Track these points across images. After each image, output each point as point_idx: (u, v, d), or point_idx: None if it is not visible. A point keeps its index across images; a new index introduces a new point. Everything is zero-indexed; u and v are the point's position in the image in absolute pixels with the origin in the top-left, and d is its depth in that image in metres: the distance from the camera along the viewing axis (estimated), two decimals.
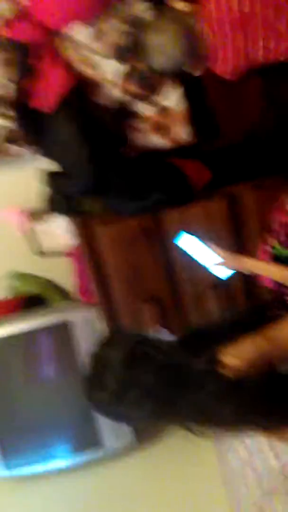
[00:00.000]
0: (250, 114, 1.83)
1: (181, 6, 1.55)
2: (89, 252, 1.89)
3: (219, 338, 1.17)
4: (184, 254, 1.48)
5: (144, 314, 1.92)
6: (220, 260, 1.45)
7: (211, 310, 1.92)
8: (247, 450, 1.75)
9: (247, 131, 1.85)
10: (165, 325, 1.87)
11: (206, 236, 1.53)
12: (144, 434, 2.14)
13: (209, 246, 1.45)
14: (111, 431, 2.07)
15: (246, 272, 1.48)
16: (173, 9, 1.58)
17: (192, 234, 1.48)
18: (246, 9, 1.46)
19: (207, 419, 1.12)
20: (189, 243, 1.48)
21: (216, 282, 1.85)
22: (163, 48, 1.52)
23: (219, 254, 1.45)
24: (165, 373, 1.11)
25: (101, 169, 1.76)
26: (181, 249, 1.48)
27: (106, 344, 1.21)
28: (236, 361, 1.10)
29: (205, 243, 1.46)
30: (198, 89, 1.79)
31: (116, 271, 1.91)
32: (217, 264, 1.44)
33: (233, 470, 1.81)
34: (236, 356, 1.11)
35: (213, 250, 1.44)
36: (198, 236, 1.48)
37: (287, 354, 1.16)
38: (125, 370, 1.11)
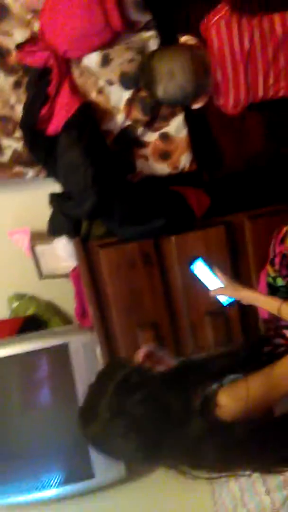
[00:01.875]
0: (251, 145, 1.86)
1: (185, 39, 1.60)
2: (88, 275, 1.89)
3: (214, 375, 1.15)
4: (195, 278, 1.48)
5: (141, 340, 1.89)
6: (221, 286, 1.44)
7: (208, 338, 1.89)
8: (240, 486, 1.69)
9: (248, 161, 1.87)
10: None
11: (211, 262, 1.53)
12: (138, 467, 2.08)
13: (214, 272, 1.45)
14: (104, 463, 2.01)
15: (244, 302, 1.46)
16: (178, 41, 1.64)
17: (202, 259, 1.48)
18: (247, 46, 1.51)
19: (195, 461, 1.10)
20: (199, 268, 1.48)
21: (214, 310, 1.85)
22: (172, 76, 1.54)
23: (222, 281, 1.44)
24: (154, 407, 1.09)
25: (105, 193, 1.77)
26: (192, 273, 1.48)
27: (102, 373, 1.20)
28: (230, 401, 1.08)
29: (211, 268, 1.45)
30: (201, 118, 1.82)
31: (114, 295, 1.90)
32: (218, 290, 1.44)
33: (226, 507, 1.74)
34: (230, 397, 1.09)
35: (217, 275, 1.44)
36: (206, 261, 1.48)
37: (283, 396, 1.14)
38: (117, 398, 1.10)
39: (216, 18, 1.56)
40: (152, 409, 1.09)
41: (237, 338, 1.80)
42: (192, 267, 1.46)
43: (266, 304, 1.36)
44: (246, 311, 1.83)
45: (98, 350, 1.98)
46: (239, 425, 1.08)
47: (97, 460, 2.00)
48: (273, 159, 1.85)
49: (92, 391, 1.17)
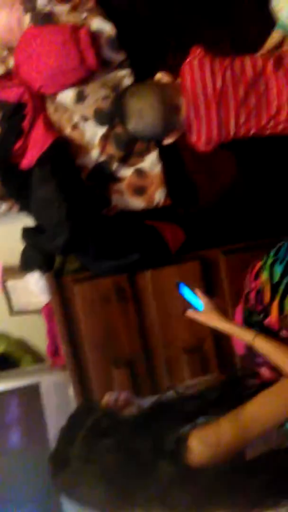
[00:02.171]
0: (223, 181, 1.88)
1: (159, 76, 1.63)
2: (61, 311, 1.85)
3: (186, 417, 1.12)
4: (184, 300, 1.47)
5: (115, 379, 1.84)
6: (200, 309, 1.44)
7: (184, 375, 1.85)
8: None
9: (221, 196, 1.89)
10: (136, 391, 1.79)
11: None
12: None
13: (197, 295, 1.44)
14: (76, 509, 1.91)
15: (220, 330, 1.46)
16: (152, 78, 1.67)
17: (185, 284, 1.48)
18: (219, 85, 1.55)
19: (168, 506, 1.05)
20: (185, 291, 1.48)
21: (190, 346, 1.82)
22: (141, 114, 1.58)
23: (203, 305, 1.44)
24: (124, 454, 1.06)
25: (79, 227, 1.76)
26: (183, 297, 1.47)
27: (72, 417, 1.17)
28: (201, 447, 1.06)
29: (194, 292, 1.45)
30: (175, 154, 1.84)
31: (88, 332, 1.86)
32: (195, 315, 1.43)
33: None
34: (201, 442, 1.06)
35: (200, 299, 1.43)
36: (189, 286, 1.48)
37: (254, 439, 1.11)
38: (86, 445, 1.07)
39: (189, 59, 1.61)
40: (122, 456, 1.06)
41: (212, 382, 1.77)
42: (180, 290, 1.46)
43: (240, 335, 1.35)
44: (222, 347, 1.81)
45: (70, 390, 1.91)
46: (209, 470, 1.05)
47: (68, 505, 1.90)
48: (244, 195, 1.88)
49: (62, 436, 1.13)
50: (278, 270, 1.45)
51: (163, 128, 1.61)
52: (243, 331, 1.35)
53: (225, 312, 1.41)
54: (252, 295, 1.53)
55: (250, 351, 1.43)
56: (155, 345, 1.88)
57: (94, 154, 1.80)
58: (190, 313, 1.42)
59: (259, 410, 1.11)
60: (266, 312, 1.44)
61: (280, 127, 1.60)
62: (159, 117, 1.57)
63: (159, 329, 1.85)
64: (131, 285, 1.84)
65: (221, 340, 1.79)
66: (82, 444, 1.07)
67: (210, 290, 1.84)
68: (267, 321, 1.44)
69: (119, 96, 1.66)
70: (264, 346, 1.29)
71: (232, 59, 1.57)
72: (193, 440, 1.06)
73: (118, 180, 1.84)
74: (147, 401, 1.20)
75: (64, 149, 1.79)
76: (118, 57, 1.73)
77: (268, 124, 1.60)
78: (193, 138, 1.64)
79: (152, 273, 1.84)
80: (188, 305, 1.44)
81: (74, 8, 1.69)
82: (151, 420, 1.12)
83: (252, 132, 1.61)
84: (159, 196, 1.85)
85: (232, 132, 1.61)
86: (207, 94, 1.55)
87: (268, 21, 1.65)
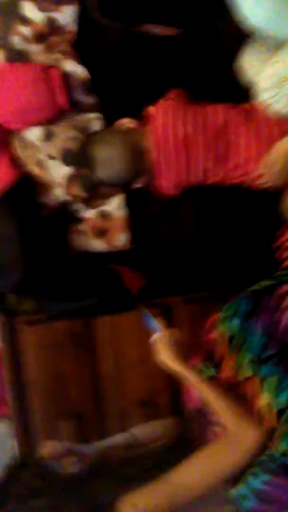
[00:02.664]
0: (187, 227, 1.87)
1: (126, 121, 1.65)
2: (9, 355, 1.74)
3: (124, 479, 1.12)
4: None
5: (62, 431, 1.71)
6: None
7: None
8: None
9: (183, 243, 1.88)
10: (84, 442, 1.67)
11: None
12: None
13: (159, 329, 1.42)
14: None
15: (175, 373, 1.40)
16: (120, 123, 1.68)
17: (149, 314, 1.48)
18: (189, 131, 1.57)
19: None
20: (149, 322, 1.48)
21: (145, 399, 1.73)
22: (108, 162, 1.60)
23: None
24: None
25: (34, 266, 1.69)
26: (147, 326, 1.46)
27: (9, 473, 1.17)
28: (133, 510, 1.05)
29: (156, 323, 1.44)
30: (141, 198, 1.83)
31: (37, 379, 1.74)
32: (155, 349, 1.40)
33: None
34: (131, 507, 1.05)
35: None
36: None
37: (186, 501, 1.09)
38: (17, 503, 1.07)
39: (162, 103, 1.64)
40: None
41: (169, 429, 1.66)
42: (145, 319, 1.46)
43: (185, 376, 1.32)
44: (177, 400, 1.71)
45: (14, 442, 1.76)
46: None
47: None
48: (206, 243, 1.87)
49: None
50: (235, 323, 1.42)
51: (130, 175, 1.63)
52: (190, 373, 1.30)
53: (184, 352, 1.36)
54: (207, 348, 1.48)
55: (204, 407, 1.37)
56: (107, 397, 1.76)
57: (58, 193, 1.76)
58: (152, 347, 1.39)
59: (189, 475, 1.09)
60: (220, 366, 1.38)
61: (246, 177, 1.63)
62: (126, 165, 1.60)
63: (113, 380, 1.75)
64: (87, 330, 1.76)
65: (179, 395, 1.69)
66: (13, 502, 1.05)
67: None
68: (220, 375, 1.38)
69: (85, 142, 1.67)
70: (208, 392, 1.25)
71: (204, 106, 1.61)
72: (123, 506, 1.05)
73: (80, 220, 1.80)
74: (91, 448, 1.13)
75: (27, 187, 1.75)
76: (89, 100, 1.74)
77: (235, 173, 1.61)
78: (162, 182, 1.65)
79: (110, 319, 1.76)
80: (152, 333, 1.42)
81: (49, 49, 1.70)
82: (86, 481, 1.11)
83: (218, 178, 1.63)
84: (121, 239, 1.80)
85: (200, 177, 1.63)
86: (177, 138, 1.57)
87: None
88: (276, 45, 1.52)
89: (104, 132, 1.69)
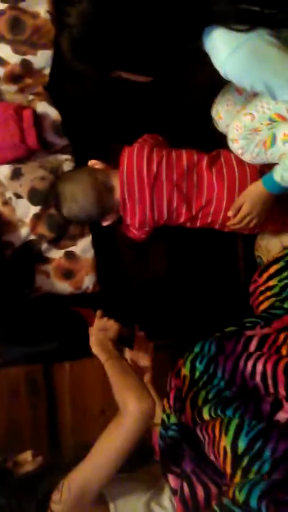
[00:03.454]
0: (155, 271, 1.85)
1: (93, 162, 1.70)
2: None
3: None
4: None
5: None
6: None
7: None
8: None
9: (151, 288, 1.85)
10: None
11: None
12: None
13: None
14: None
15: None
16: (89, 164, 1.70)
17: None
18: (153, 170, 1.62)
19: None
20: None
21: None
22: (75, 198, 1.64)
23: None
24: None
25: None
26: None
27: None
28: (54, 506, 1.19)
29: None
30: (109, 241, 1.81)
31: None
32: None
33: None
34: (53, 500, 1.19)
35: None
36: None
37: (97, 487, 1.23)
38: None
39: (130, 146, 1.69)
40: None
41: None
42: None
43: (100, 355, 1.43)
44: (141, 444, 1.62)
45: None
46: None
47: None
48: (174, 288, 1.85)
49: None
50: (200, 366, 1.40)
51: (97, 211, 1.66)
52: (104, 352, 1.38)
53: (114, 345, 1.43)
54: (172, 394, 1.44)
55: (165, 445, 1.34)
56: (64, 447, 1.66)
57: (23, 232, 1.72)
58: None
59: (96, 457, 1.23)
60: (182, 408, 1.34)
61: (209, 219, 1.67)
62: (91, 200, 1.63)
63: (71, 429, 1.65)
64: (45, 377, 1.67)
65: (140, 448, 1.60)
66: None
67: None
68: (182, 417, 1.34)
69: (55, 180, 1.69)
70: (111, 375, 1.32)
71: (170, 150, 1.67)
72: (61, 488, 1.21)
73: (46, 261, 1.75)
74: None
75: None
76: (61, 142, 1.74)
77: (198, 213, 1.65)
78: (127, 219, 1.68)
79: (71, 365, 1.69)
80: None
81: (22, 90, 1.71)
82: (38, 480, 1.25)
83: (182, 219, 1.65)
84: (88, 282, 1.76)
85: (165, 216, 1.65)
86: (142, 177, 1.61)
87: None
88: (246, 97, 1.58)
89: (73, 170, 1.72)
